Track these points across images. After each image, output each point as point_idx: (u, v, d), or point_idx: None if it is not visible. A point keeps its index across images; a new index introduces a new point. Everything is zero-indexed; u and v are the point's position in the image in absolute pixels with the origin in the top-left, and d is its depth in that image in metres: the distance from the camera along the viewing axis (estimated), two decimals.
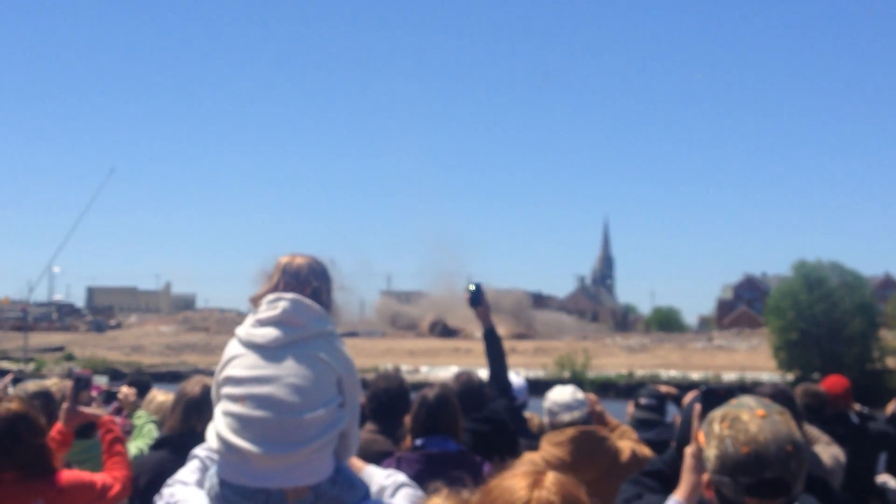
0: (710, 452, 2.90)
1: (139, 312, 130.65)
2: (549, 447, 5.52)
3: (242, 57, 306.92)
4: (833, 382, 8.06)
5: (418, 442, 5.18)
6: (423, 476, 3.17)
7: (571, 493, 2.46)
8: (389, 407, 5.83)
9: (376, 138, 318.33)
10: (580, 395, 5.80)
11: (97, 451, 5.76)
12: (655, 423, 6.87)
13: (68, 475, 5.11)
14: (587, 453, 5.42)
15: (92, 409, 5.60)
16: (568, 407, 5.66)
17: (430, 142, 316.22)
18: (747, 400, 3.00)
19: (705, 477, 2.95)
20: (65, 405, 5.61)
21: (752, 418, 2.87)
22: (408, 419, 5.43)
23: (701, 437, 3.01)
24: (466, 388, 6.21)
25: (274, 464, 3.63)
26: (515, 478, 2.50)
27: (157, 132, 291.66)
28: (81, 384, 5.60)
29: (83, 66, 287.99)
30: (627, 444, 5.64)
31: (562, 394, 5.76)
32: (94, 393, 5.68)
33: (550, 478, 2.48)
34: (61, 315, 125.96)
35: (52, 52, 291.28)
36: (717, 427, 2.93)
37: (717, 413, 2.99)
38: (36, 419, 5.16)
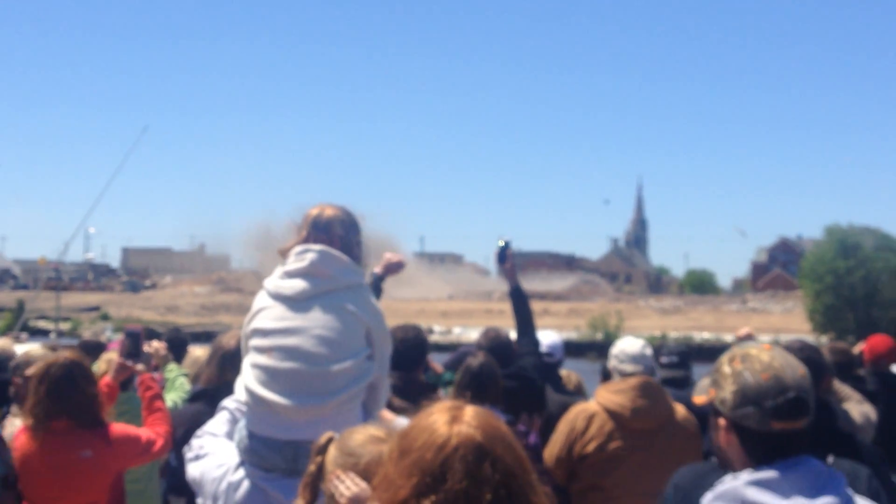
0: (727, 391, 2.96)
1: (174, 273, 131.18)
2: (609, 394, 5.44)
3: (276, 21, 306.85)
4: (877, 341, 8.02)
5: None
6: None
7: (492, 425, 2.41)
8: (405, 358, 5.69)
9: (411, 104, 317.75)
10: (649, 350, 5.74)
11: (134, 404, 5.83)
12: (683, 380, 6.84)
13: (116, 429, 5.18)
14: (648, 402, 5.38)
15: (136, 366, 5.66)
16: (634, 359, 5.59)
17: (465, 105, 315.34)
18: (748, 343, 3.14)
19: (721, 422, 3.00)
20: (117, 358, 5.67)
21: (761, 351, 3.00)
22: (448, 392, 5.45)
23: (712, 391, 3.05)
24: (494, 343, 6.23)
25: (302, 416, 3.65)
26: (433, 415, 2.44)
27: (190, 91, 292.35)
28: (133, 339, 5.66)
29: (115, 24, 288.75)
30: (680, 405, 5.61)
31: (632, 345, 5.68)
32: (146, 348, 5.73)
33: (469, 412, 2.43)
34: (97, 275, 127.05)
35: (84, 12, 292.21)
36: (727, 368, 3.01)
37: (722, 358, 3.08)
38: (90, 369, 5.25)
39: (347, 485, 2.91)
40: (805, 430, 2.92)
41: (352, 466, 2.96)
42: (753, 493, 2.82)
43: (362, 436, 3.06)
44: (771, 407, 2.87)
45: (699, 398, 3.21)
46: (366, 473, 2.91)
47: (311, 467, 3.06)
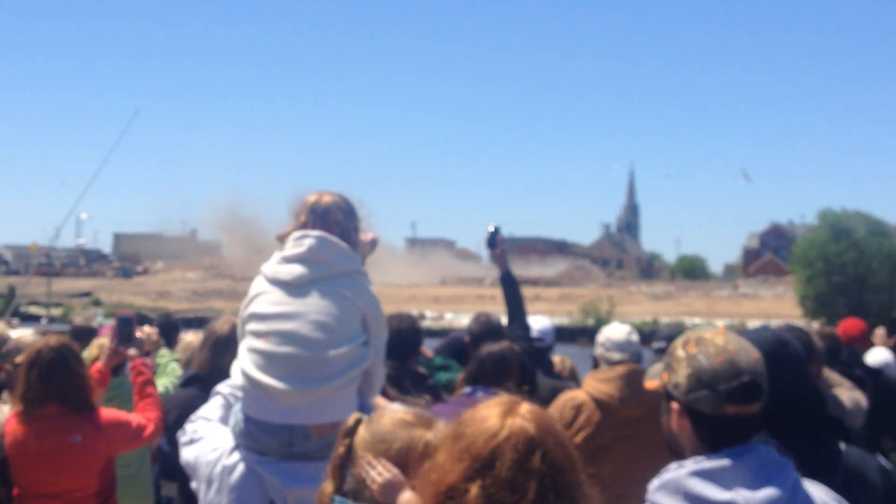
0: (681, 375, 2.94)
1: (165, 259, 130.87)
2: (596, 383, 5.46)
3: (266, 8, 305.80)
4: (850, 325, 8.04)
5: (466, 389, 5.22)
6: None
7: (546, 421, 2.46)
8: (399, 348, 5.62)
9: (402, 90, 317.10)
10: (635, 336, 5.73)
11: (125, 388, 5.83)
12: None
13: (106, 413, 5.19)
14: (635, 391, 5.37)
15: (128, 352, 5.66)
16: (619, 346, 5.58)
17: (457, 90, 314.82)
18: (702, 326, 3.08)
19: (675, 406, 2.98)
20: (109, 344, 5.67)
21: (715, 335, 2.99)
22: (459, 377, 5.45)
23: (665, 376, 3.04)
24: (485, 328, 6.22)
25: (298, 400, 3.67)
26: (489, 407, 2.49)
27: (180, 75, 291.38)
28: (123, 324, 5.65)
29: (106, 8, 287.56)
30: None
31: (617, 332, 5.70)
32: (138, 333, 5.72)
33: (525, 406, 2.48)
34: (88, 261, 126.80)
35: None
36: (681, 352, 2.99)
37: (676, 342, 3.06)
38: (79, 353, 5.26)
39: (379, 471, 2.91)
40: (758, 415, 2.92)
41: (383, 452, 2.96)
42: (695, 483, 2.81)
43: (391, 420, 3.05)
44: (725, 391, 2.85)
45: (651, 383, 3.20)
46: (397, 459, 2.94)
47: (340, 449, 3.06)
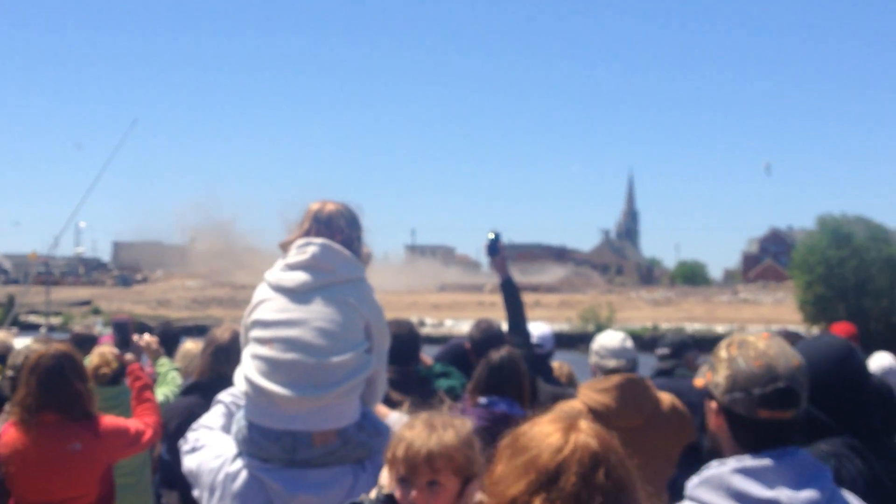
0: (721, 376, 3.01)
1: (165, 267, 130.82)
2: (592, 393, 5.43)
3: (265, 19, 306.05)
4: (838, 329, 8.04)
5: (483, 400, 5.23)
6: (486, 434, 3.12)
7: (607, 438, 2.51)
8: (401, 353, 5.58)
9: (402, 96, 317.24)
10: (629, 343, 5.73)
11: (125, 397, 5.84)
12: (673, 370, 6.88)
13: (105, 420, 5.20)
14: (632, 400, 5.35)
15: (125, 356, 5.68)
16: (614, 353, 5.59)
17: (456, 96, 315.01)
18: (748, 333, 3.16)
19: (713, 405, 3.04)
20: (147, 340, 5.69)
21: (759, 339, 3.05)
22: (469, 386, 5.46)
23: (709, 374, 3.10)
24: (486, 335, 6.24)
25: (301, 406, 3.68)
26: (549, 423, 2.53)
27: (179, 84, 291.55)
28: (121, 329, 5.66)
29: (103, 18, 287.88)
30: (667, 395, 5.60)
31: (611, 339, 5.70)
32: (134, 338, 5.73)
33: (586, 423, 2.52)
34: (88, 270, 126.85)
35: (71, 6, 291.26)
36: (724, 353, 3.06)
37: (721, 343, 3.13)
38: (81, 363, 5.27)
39: (384, 473, 3.10)
40: (794, 420, 2.95)
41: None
42: (739, 481, 2.85)
43: (402, 423, 3.18)
44: (759, 395, 2.91)
45: (698, 381, 3.25)
46: (389, 460, 3.06)
47: None
